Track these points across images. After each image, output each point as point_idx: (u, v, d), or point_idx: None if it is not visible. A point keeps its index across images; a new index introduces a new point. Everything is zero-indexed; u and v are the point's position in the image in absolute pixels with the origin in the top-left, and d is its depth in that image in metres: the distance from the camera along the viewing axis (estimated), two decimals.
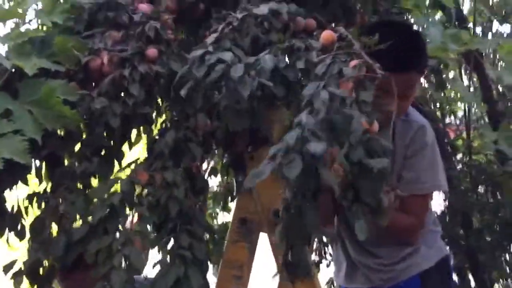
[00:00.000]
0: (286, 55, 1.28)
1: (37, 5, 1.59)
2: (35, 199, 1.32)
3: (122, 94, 1.39)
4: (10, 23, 1.53)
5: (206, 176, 2.42)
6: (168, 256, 1.23)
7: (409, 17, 2.28)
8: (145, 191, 1.31)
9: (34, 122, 1.22)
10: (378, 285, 1.63)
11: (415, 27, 2.00)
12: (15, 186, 1.31)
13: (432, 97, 3.25)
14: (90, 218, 1.21)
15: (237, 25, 1.31)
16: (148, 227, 1.28)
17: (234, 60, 1.18)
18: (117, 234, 1.21)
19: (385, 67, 1.32)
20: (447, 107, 3.63)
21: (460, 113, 3.87)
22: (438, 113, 3.81)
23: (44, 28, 1.50)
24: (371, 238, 1.62)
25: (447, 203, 2.91)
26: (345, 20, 1.91)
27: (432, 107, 3.43)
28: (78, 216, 1.24)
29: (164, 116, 1.64)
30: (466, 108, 3.53)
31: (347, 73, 1.08)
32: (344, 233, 1.72)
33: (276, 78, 1.20)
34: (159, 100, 1.60)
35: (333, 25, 1.86)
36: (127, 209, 1.25)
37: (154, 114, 1.61)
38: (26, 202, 1.33)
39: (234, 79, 1.13)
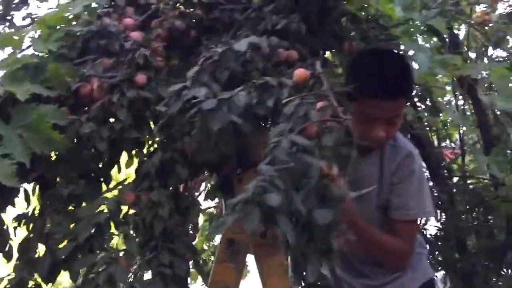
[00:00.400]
0: (259, 92, 1.33)
1: (35, 32, 1.67)
2: (23, 221, 1.36)
3: (112, 120, 1.45)
4: (8, 49, 1.59)
5: (202, 199, 2.46)
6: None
7: (399, 43, 2.35)
8: (131, 211, 1.36)
9: (24, 146, 1.27)
10: None
11: (403, 53, 2.05)
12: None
13: (427, 121, 3.29)
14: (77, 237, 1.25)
15: (217, 59, 1.37)
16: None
17: (207, 95, 1.24)
18: (102, 253, 1.24)
19: (374, 94, 1.37)
20: (443, 131, 3.67)
21: (457, 137, 3.92)
22: (435, 137, 3.86)
23: (39, 54, 1.57)
24: (361, 258, 1.67)
25: (439, 225, 2.92)
26: (334, 48, 1.98)
27: (428, 131, 3.48)
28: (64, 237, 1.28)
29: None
30: (461, 133, 3.57)
31: (312, 116, 1.14)
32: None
33: (247, 114, 1.25)
34: (151, 124, 1.66)
35: (321, 53, 1.94)
36: (113, 228, 1.28)
37: (147, 137, 1.66)
38: (15, 224, 1.37)
39: (204, 113, 1.19)
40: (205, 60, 1.37)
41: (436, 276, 2.75)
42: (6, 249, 1.33)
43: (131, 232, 1.31)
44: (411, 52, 2.12)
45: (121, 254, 1.25)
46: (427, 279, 1.67)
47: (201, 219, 3.55)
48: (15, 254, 1.33)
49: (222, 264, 1.70)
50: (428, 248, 2.03)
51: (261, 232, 1.64)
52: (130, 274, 1.61)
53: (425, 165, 3.19)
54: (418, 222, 1.65)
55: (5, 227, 1.35)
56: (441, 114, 3.52)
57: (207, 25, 1.81)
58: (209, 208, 3.28)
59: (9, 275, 1.24)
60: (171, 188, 1.46)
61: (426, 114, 2.94)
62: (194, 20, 1.80)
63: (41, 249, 1.31)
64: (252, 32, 1.62)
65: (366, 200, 1.58)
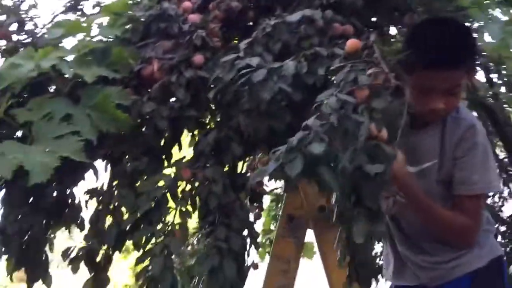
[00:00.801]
0: (310, 62, 1.33)
1: (102, 19, 1.78)
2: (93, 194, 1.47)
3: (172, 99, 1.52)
4: (79, 35, 1.70)
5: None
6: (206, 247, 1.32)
7: (467, 14, 2.22)
8: (188, 186, 1.43)
9: (91, 124, 1.36)
10: (425, 283, 1.61)
11: (471, 25, 1.94)
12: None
13: (504, 98, 3.08)
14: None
15: (270, 31, 1.38)
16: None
17: (260, 65, 1.26)
18: (160, 225, 1.32)
19: (433, 63, 1.33)
20: None
21: None
22: None
23: (105, 39, 1.67)
24: (421, 234, 1.63)
25: None
26: (394, 22, 1.92)
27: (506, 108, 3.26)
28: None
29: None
30: None
31: (362, 80, 1.12)
32: (393, 229, 1.72)
33: (297, 83, 1.25)
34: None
35: (381, 28, 1.88)
36: (170, 202, 1.36)
37: (207, 117, 1.72)
38: (87, 197, 1.49)
39: (254, 82, 1.21)
40: (259, 32, 1.39)
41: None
42: (79, 220, 1.44)
43: (188, 207, 1.38)
44: (480, 23, 2.01)
45: (176, 227, 1.32)
46: (495, 256, 1.60)
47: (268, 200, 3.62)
48: (87, 225, 1.45)
49: (282, 239, 1.75)
50: (499, 228, 1.93)
51: (319, 206, 1.66)
52: (188, 247, 1.69)
53: (501, 142, 3.01)
54: (484, 197, 1.58)
55: (77, 201, 1.47)
56: None
57: (264, 5, 1.82)
58: (276, 188, 3.32)
59: (80, 243, 1.36)
60: (227, 166, 1.51)
61: (503, 90, 2.75)
62: (251, 1, 1.81)
63: (109, 220, 1.41)
64: (308, 7, 1.62)
65: (427, 175, 1.53)
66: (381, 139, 1.04)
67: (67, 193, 1.47)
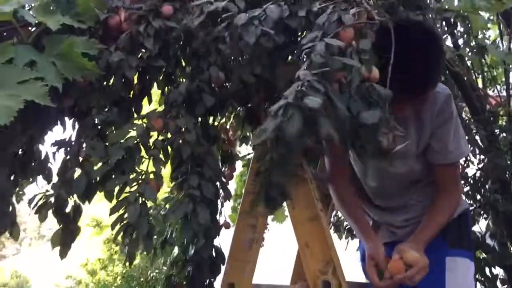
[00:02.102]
0: (290, 5, 1.32)
1: None
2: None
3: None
4: None
5: (237, 144, 2.50)
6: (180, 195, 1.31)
7: None
8: (160, 137, 1.41)
9: (56, 72, 1.32)
10: (401, 238, 1.67)
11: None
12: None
13: (470, 60, 3.15)
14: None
15: None
16: None
17: (240, 10, 1.24)
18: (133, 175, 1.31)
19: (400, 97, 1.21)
20: (488, 73, 3.52)
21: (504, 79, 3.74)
22: (479, 80, 3.71)
23: None
24: (396, 198, 1.69)
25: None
26: None
27: (471, 72, 3.34)
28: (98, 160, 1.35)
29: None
30: (508, 74, 3.41)
31: (346, 20, 1.11)
32: (368, 193, 1.76)
33: (278, 27, 1.24)
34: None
35: None
36: (142, 151, 1.34)
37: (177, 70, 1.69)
38: (54, 149, 1.45)
39: (237, 27, 1.19)
40: None
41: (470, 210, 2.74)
42: (46, 172, 1.41)
43: (160, 156, 1.36)
44: None
45: (151, 176, 1.30)
46: (463, 210, 1.72)
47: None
48: (55, 178, 1.42)
49: (250, 194, 1.75)
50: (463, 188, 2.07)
51: None
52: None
53: (467, 107, 3.09)
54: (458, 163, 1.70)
55: (44, 152, 1.44)
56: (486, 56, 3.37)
57: None
58: (248, 154, 3.32)
59: (47, 191, 1.33)
60: (199, 119, 1.50)
61: (468, 52, 2.81)
62: None
63: (77, 172, 1.38)
64: None
65: (407, 154, 1.58)
66: (373, 79, 1.05)
67: (34, 144, 1.43)
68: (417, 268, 1.42)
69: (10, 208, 1.33)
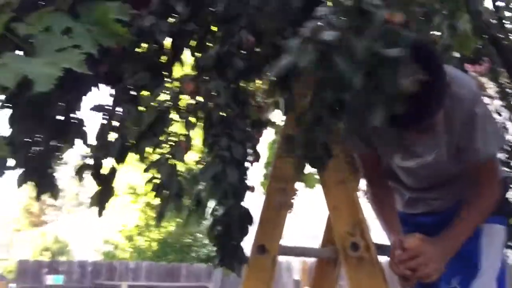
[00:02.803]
0: None
1: None
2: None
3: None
4: None
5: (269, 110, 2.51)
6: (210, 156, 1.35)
7: None
8: (191, 101, 1.44)
9: (91, 38, 1.36)
10: (438, 209, 1.68)
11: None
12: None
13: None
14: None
15: None
16: None
17: None
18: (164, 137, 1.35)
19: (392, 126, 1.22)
20: None
21: None
22: None
23: None
24: (432, 186, 1.68)
25: None
26: None
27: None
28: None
29: None
30: None
31: None
32: (402, 179, 1.76)
33: None
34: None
35: None
36: (173, 114, 1.37)
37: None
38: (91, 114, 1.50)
39: None
40: None
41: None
42: (84, 136, 1.47)
43: (191, 119, 1.40)
44: None
45: (181, 138, 1.34)
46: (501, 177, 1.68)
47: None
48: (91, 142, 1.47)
49: (280, 159, 1.77)
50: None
51: None
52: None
53: (507, 73, 2.98)
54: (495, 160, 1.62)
55: (81, 117, 1.49)
56: None
57: None
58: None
59: (85, 154, 1.39)
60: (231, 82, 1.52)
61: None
62: None
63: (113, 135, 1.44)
64: None
65: (441, 159, 1.56)
66: (396, 22, 1.03)
67: (71, 110, 1.48)
68: (411, 253, 1.40)
69: (50, 170, 1.40)
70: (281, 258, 1.73)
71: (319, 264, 1.98)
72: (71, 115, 1.51)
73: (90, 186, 1.48)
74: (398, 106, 1.00)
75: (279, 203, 1.76)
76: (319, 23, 0.96)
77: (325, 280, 1.96)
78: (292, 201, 1.79)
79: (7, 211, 21.04)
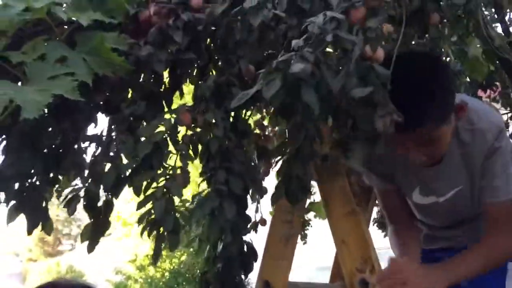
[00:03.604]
0: None
1: None
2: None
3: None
4: None
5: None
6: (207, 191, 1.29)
7: None
8: (189, 132, 1.39)
9: (87, 67, 1.33)
10: (458, 247, 1.59)
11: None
12: None
13: None
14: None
15: None
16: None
17: None
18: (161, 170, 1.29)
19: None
20: None
21: None
22: None
23: None
24: (450, 225, 1.59)
25: None
26: None
27: None
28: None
29: None
30: None
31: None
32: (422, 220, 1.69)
33: (291, 9, 1.20)
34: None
35: None
36: (171, 146, 1.32)
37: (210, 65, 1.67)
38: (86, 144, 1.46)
39: (246, 10, 1.17)
40: None
41: None
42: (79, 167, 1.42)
43: (189, 151, 1.35)
44: None
45: (178, 171, 1.29)
46: None
47: None
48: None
49: None
50: None
51: (322, 155, 1.62)
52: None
53: None
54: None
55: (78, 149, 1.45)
56: None
57: None
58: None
59: (76, 185, 1.34)
60: (230, 113, 1.47)
61: None
62: None
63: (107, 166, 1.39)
64: None
65: (461, 197, 1.48)
66: (376, 59, 1.00)
67: (68, 140, 1.45)
68: (391, 270, 1.28)
69: (44, 203, 1.35)
70: None
71: None
72: (68, 145, 1.47)
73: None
74: (378, 147, 0.96)
75: (284, 235, 1.69)
76: (291, 55, 0.94)
77: None
78: (299, 232, 1.71)
79: (21, 241, 21.08)
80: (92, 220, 1.37)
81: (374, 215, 3.60)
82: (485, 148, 1.37)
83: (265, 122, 2.03)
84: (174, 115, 1.42)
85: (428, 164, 1.40)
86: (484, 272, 1.38)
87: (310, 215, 3.47)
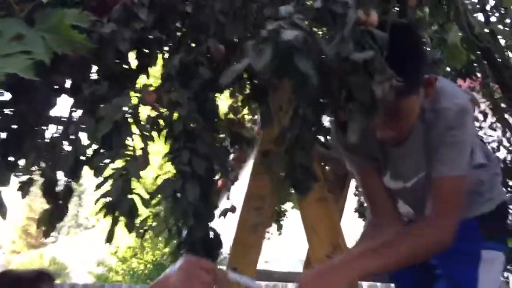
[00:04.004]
0: None
1: None
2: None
3: None
4: None
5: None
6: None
7: None
8: (154, 113, 1.34)
9: (45, 45, 1.26)
10: None
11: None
12: None
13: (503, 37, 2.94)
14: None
15: None
16: None
17: None
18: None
19: None
20: None
21: None
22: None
23: None
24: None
25: None
26: None
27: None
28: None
29: None
30: None
31: None
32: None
33: None
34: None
35: None
36: (132, 126, 1.27)
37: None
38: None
39: None
40: None
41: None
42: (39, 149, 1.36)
43: (151, 132, 1.30)
44: None
45: (138, 152, 1.24)
46: (501, 201, 1.56)
47: None
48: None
49: (257, 175, 1.67)
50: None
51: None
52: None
53: (500, 89, 2.89)
54: (459, 180, 1.32)
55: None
56: None
57: None
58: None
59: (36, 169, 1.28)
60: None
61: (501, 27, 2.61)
62: None
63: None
64: None
65: (420, 179, 1.44)
66: (370, 23, 0.95)
67: (27, 122, 1.38)
68: None
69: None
70: None
71: None
72: (28, 128, 1.41)
73: (90, 207, 1.36)
74: (375, 116, 0.90)
75: (254, 223, 1.64)
76: (280, 23, 0.88)
77: None
78: (268, 220, 1.68)
79: (4, 233, 20.84)
80: (50, 205, 1.31)
81: (355, 204, 3.60)
82: (445, 126, 1.31)
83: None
84: (138, 95, 1.37)
85: (395, 143, 1.36)
86: (407, 264, 1.27)
87: (288, 206, 3.43)
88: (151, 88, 1.36)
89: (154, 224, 1.36)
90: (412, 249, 1.23)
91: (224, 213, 1.64)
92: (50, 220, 1.28)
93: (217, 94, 1.52)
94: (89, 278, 10.29)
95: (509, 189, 2.63)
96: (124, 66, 1.43)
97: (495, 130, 2.78)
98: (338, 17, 0.96)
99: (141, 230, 1.40)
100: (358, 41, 0.95)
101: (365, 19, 0.97)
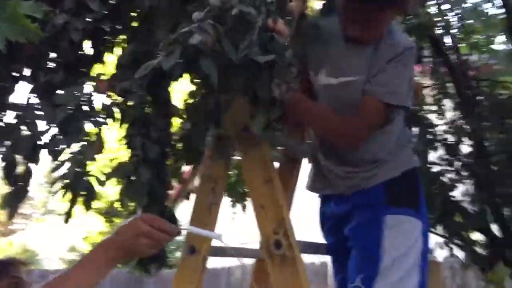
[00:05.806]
0: None
1: None
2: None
3: None
4: None
5: None
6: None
7: None
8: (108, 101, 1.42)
9: (0, 34, 1.32)
10: (343, 191, 1.65)
11: None
12: None
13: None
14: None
15: None
16: None
17: None
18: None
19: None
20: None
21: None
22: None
23: None
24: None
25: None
26: None
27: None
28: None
29: None
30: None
31: None
32: (316, 141, 1.75)
33: None
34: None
35: None
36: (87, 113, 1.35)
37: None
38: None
39: None
40: None
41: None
42: None
43: (106, 119, 1.37)
44: None
45: (92, 137, 1.32)
46: (410, 167, 1.63)
47: None
48: None
49: (209, 159, 1.76)
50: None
51: (245, 127, 1.67)
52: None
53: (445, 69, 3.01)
54: (386, 109, 1.51)
55: None
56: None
57: None
58: None
59: None
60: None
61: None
62: None
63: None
64: None
65: (352, 87, 1.56)
66: (277, 31, 1.05)
67: None
68: None
69: None
70: None
71: (258, 265, 1.97)
72: None
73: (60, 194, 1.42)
74: (276, 112, 1.03)
75: (209, 203, 1.74)
76: (192, 28, 0.99)
77: (265, 280, 1.94)
78: (221, 199, 1.77)
79: None
80: (10, 187, 1.38)
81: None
82: (391, 57, 1.51)
83: None
84: (93, 83, 1.45)
85: (355, 42, 1.52)
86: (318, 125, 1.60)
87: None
88: (104, 77, 1.43)
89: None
90: (328, 116, 1.52)
91: (187, 195, 1.74)
92: (12, 202, 1.35)
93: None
94: (61, 264, 10.26)
95: (453, 167, 2.79)
96: (80, 54, 1.50)
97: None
98: (249, 23, 1.08)
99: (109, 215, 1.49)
100: (264, 45, 1.07)
101: (273, 26, 1.08)
